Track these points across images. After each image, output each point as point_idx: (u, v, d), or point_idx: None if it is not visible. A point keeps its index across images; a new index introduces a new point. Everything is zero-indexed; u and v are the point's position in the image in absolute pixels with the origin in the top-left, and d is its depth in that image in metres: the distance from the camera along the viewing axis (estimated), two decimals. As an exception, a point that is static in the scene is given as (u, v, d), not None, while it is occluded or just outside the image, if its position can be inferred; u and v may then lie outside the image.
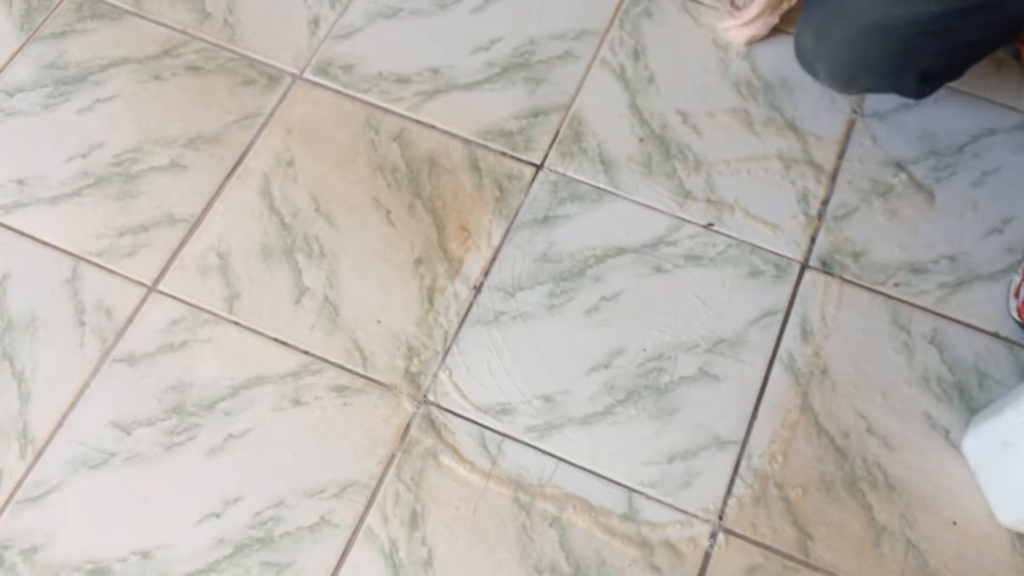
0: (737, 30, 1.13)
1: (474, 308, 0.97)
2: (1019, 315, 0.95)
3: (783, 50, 1.13)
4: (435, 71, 1.12)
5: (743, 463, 0.90)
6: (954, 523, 0.88)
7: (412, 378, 0.94)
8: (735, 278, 0.99)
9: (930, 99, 1.05)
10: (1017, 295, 0.96)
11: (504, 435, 0.91)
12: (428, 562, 0.85)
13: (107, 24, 1.14)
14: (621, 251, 1.01)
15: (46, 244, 1.00)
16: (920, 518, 0.88)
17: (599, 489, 0.89)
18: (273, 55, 1.13)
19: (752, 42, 1.13)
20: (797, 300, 0.98)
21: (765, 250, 1.01)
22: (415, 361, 0.95)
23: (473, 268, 1.00)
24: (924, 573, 0.86)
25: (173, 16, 1.15)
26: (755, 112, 1.09)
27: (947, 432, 0.92)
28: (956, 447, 0.91)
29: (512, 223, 1.02)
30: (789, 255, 1.01)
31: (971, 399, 0.93)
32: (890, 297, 0.99)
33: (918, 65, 0.93)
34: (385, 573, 0.85)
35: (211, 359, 0.94)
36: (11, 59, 1.12)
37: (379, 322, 0.96)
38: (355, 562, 0.85)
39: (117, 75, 1.11)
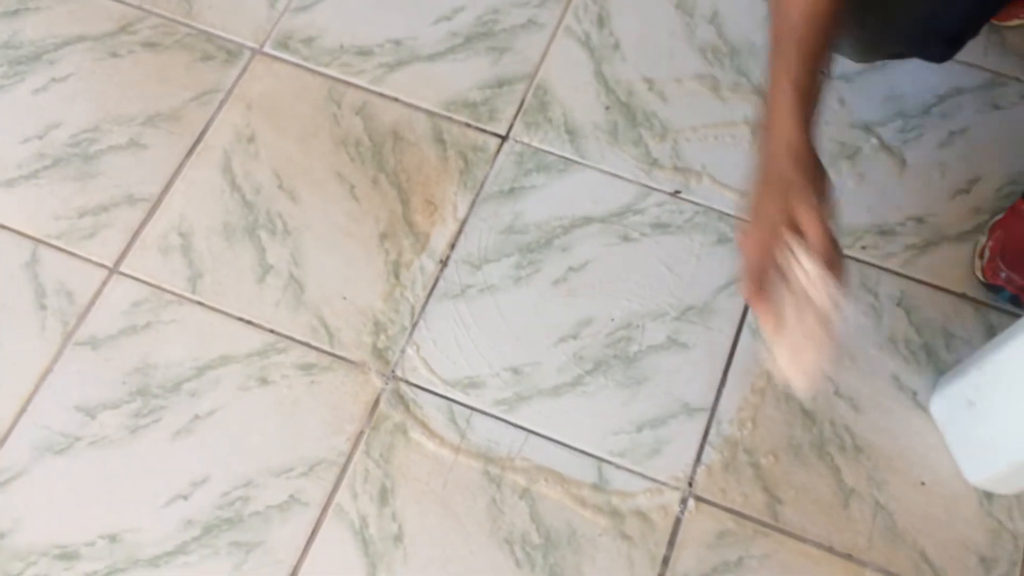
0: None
1: (441, 282, 0.97)
2: (984, 275, 0.95)
3: (750, 13, 1.12)
4: (397, 42, 1.10)
5: (712, 430, 0.90)
6: (922, 483, 0.88)
7: (379, 354, 0.93)
8: (703, 245, 0.99)
9: (896, 60, 1.04)
10: (982, 256, 0.96)
11: (473, 408, 0.91)
12: (398, 537, 0.85)
13: (61, 1, 1.12)
14: (588, 221, 1.00)
15: (4, 228, 0.98)
16: (888, 479, 0.88)
17: (568, 460, 0.89)
18: (231, 29, 1.11)
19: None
20: (765, 266, 0.98)
21: (733, 216, 1.00)
22: (382, 337, 0.94)
23: (439, 241, 0.99)
24: (893, 534, 0.86)
25: (128, -9, 1.13)
26: (722, 77, 1.08)
27: (915, 393, 0.92)
28: (924, 408, 0.91)
29: (478, 195, 1.01)
30: (757, 221, 1.00)
31: (938, 360, 0.93)
32: (857, 260, 0.98)
33: (944, 28, 0.90)
34: (355, 549, 0.85)
35: (175, 340, 0.93)
36: (-37, 39, 1.09)
37: (345, 298, 0.95)
38: (325, 539, 0.85)
39: (72, 53, 1.09)
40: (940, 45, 0.92)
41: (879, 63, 1.07)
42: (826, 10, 0.74)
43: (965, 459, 0.88)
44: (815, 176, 0.73)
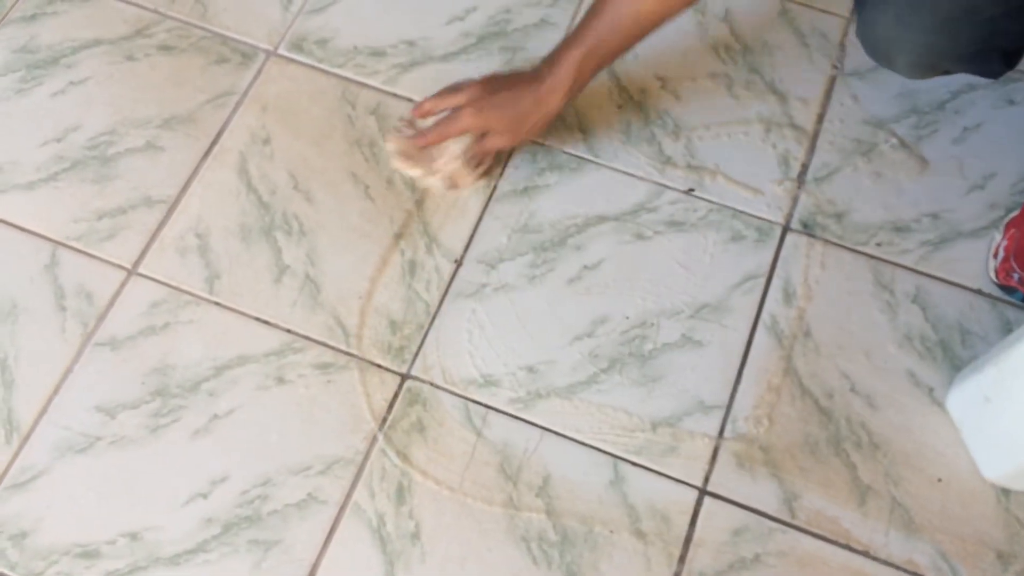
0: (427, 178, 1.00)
1: (456, 281, 0.97)
2: (997, 276, 0.95)
3: (763, 11, 1.12)
4: (411, 43, 1.11)
5: (728, 427, 0.90)
6: (939, 480, 0.88)
7: (395, 353, 0.94)
8: (717, 243, 0.99)
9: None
10: (996, 255, 0.96)
11: (488, 407, 0.91)
12: (415, 535, 0.86)
13: (78, 5, 1.13)
14: (602, 219, 1.00)
15: (23, 230, 1.00)
16: (905, 476, 0.88)
17: (584, 458, 0.89)
18: (246, 32, 1.12)
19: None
20: (779, 263, 0.98)
21: (746, 214, 1.00)
22: (398, 336, 0.94)
23: (454, 241, 0.99)
24: (910, 530, 0.86)
25: (144, -5, 1.14)
26: (735, 75, 1.08)
27: (931, 390, 0.92)
28: (940, 404, 0.91)
29: (492, 195, 1.02)
30: (771, 218, 1.00)
31: (954, 356, 0.93)
32: (872, 257, 0.98)
33: (1002, 46, 0.90)
34: (373, 547, 0.85)
35: (193, 340, 0.94)
36: (-19, 44, 1.11)
37: (361, 298, 0.96)
38: (343, 537, 0.86)
39: (89, 57, 1.10)
40: (997, 62, 0.91)
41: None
42: (655, 25, 0.90)
43: (982, 455, 0.88)
44: (529, 139, 1.00)
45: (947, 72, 0.96)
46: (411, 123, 0.99)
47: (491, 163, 1.02)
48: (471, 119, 0.93)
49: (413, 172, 0.98)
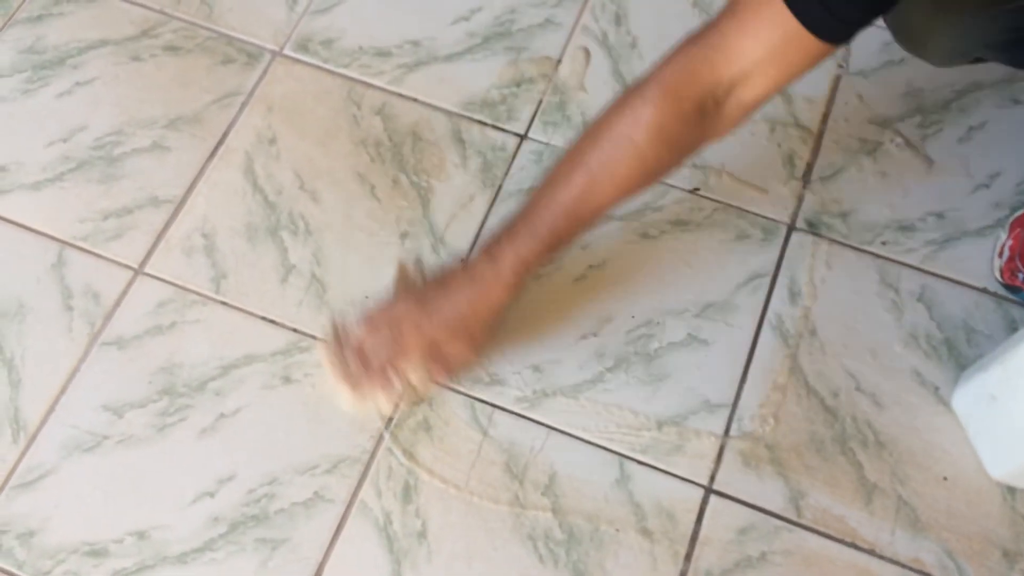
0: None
1: (461, 280, 0.97)
2: (1003, 275, 0.95)
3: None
4: (415, 43, 1.11)
5: (733, 426, 0.90)
6: (945, 478, 0.88)
7: (401, 352, 0.94)
8: (722, 242, 0.99)
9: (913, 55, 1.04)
10: (1001, 254, 0.96)
11: (494, 406, 0.91)
12: (422, 534, 0.86)
13: (84, 6, 1.13)
14: (607, 218, 1.00)
15: (30, 230, 1.00)
16: (911, 474, 0.88)
17: (590, 456, 0.89)
18: (252, 32, 1.12)
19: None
20: (785, 262, 0.98)
21: (752, 213, 1.01)
22: (404, 335, 0.94)
23: (459, 240, 0.99)
24: (916, 529, 0.86)
25: (150, -4, 1.14)
26: (739, 74, 1.08)
27: (936, 388, 0.92)
28: (946, 403, 0.91)
29: (497, 194, 1.02)
30: (776, 217, 1.00)
31: (960, 355, 0.93)
32: (878, 256, 0.98)
33: None
34: (380, 546, 0.85)
35: (200, 340, 0.94)
36: (-12, 45, 1.11)
37: (367, 297, 0.96)
38: (350, 536, 0.86)
39: (96, 58, 1.10)
40: None
41: (886, 58, 1.07)
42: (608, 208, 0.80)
43: (988, 454, 0.88)
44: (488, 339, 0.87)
45: (977, 62, 0.93)
46: (338, 355, 0.86)
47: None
48: (413, 337, 0.82)
49: (370, 407, 0.88)
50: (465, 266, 0.85)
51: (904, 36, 0.91)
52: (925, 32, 0.88)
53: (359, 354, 0.84)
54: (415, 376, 0.84)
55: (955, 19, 0.84)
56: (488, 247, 0.83)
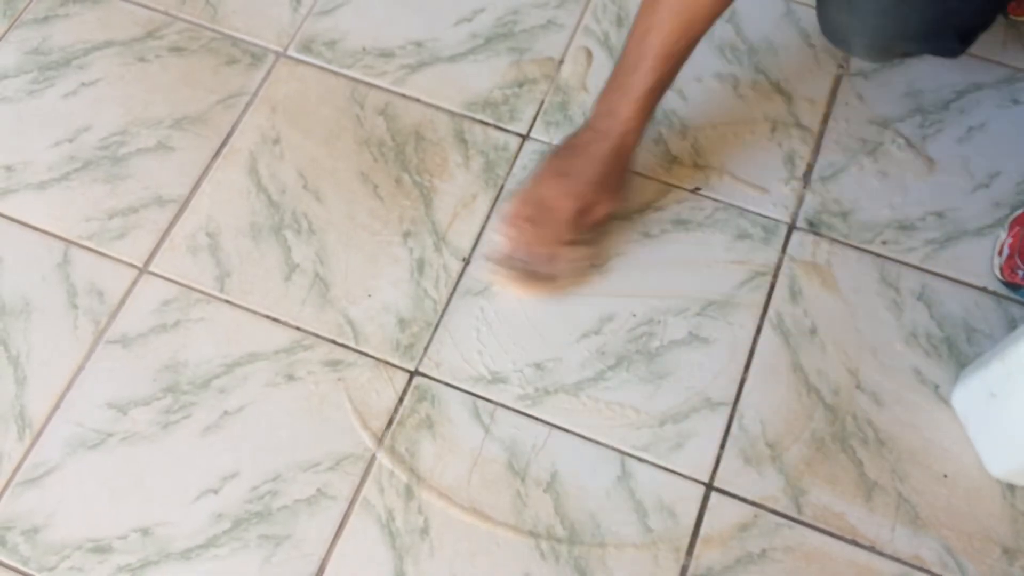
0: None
1: (463, 279, 0.98)
2: (1003, 274, 0.95)
3: (768, 11, 1.13)
4: (419, 44, 1.12)
5: (734, 424, 0.91)
6: (945, 476, 0.89)
7: (404, 350, 0.94)
8: (723, 241, 1.00)
9: (910, 58, 1.05)
10: (1001, 253, 0.96)
11: (496, 404, 0.92)
12: (425, 530, 0.86)
13: (89, 7, 1.14)
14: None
15: (36, 229, 1.01)
16: (911, 472, 0.89)
17: (592, 454, 0.90)
18: (256, 33, 1.13)
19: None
20: (785, 261, 0.99)
21: (753, 213, 1.01)
22: (406, 333, 0.95)
23: (462, 240, 1.00)
24: (916, 526, 0.86)
25: (155, -3, 1.15)
26: (740, 75, 1.09)
27: (936, 387, 0.92)
28: (946, 401, 0.92)
29: (499, 194, 1.02)
30: (777, 217, 1.01)
31: (960, 354, 0.94)
32: (878, 255, 0.99)
33: (956, 24, 0.89)
34: (382, 542, 0.86)
35: (204, 338, 0.95)
36: (-6, 46, 1.12)
37: (369, 296, 0.97)
38: (352, 532, 0.86)
39: (101, 58, 1.11)
40: (952, 41, 0.91)
41: (895, 61, 1.08)
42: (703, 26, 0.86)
43: (987, 451, 0.88)
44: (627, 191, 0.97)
45: (907, 54, 0.97)
46: (504, 263, 0.96)
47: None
48: (566, 206, 0.91)
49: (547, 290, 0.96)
50: (586, 128, 0.92)
51: (830, 34, 0.95)
52: (846, 29, 0.92)
53: (521, 249, 0.94)
54: (575, 252, 0.94)
55: (869, 16, 0.88)
56: (600, 105, 0.91)
